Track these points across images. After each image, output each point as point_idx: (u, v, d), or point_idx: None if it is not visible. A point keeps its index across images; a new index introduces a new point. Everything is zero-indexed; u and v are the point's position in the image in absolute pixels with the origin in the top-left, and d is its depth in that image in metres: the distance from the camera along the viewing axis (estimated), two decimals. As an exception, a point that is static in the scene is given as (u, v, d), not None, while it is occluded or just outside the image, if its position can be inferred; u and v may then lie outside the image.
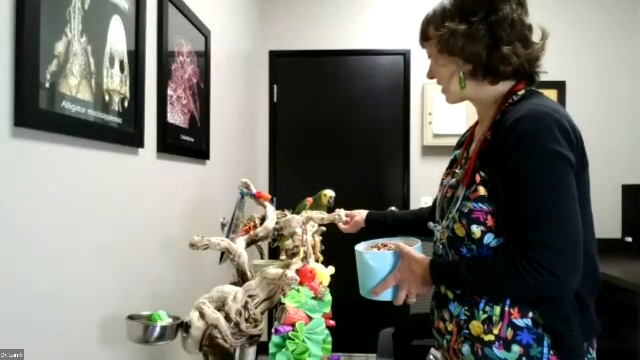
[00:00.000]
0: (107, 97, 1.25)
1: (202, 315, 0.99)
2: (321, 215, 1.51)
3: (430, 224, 1.17)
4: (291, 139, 3.53)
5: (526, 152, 0.94)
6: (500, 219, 0.98)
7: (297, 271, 1.09)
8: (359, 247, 1.20)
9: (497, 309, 1.00)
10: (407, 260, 1.09)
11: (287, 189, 3.48)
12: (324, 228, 1.68)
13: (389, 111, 3.47)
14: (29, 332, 0.97)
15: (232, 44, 2.69)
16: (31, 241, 0.98)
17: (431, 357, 1.95)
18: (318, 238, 1.62)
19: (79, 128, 1.12)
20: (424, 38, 1.14)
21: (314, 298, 1.09)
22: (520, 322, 0.98)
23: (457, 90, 1.11)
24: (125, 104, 1.35)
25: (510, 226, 0.96)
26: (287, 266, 1.16)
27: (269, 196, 1.54)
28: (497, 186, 0.98)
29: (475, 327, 1.02)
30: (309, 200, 1.78)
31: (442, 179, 1.24)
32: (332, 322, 1.14)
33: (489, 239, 1.00)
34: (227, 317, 1.00)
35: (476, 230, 1.00)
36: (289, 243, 1.57)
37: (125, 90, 1.35)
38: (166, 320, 1.04)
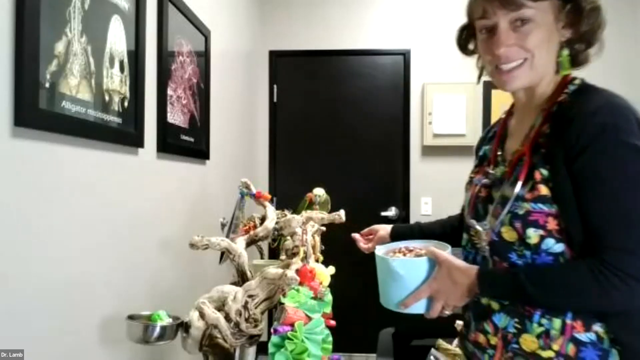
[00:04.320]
0: (107, 97, 1.25)
1: (202, 315, 0.99)
2: (321, 215, 1.51)
3: (473, 222, 1.03)
4: (291, 139, 3.53)
5: (605, 148, 0.84)
6: (563, 221, 0.88)
7: (297, 271, 1.09)
8: (380, 251, 1.08)
9: (557, 322, 0.89)
10: (446, 269, 0.95)
11: (287, 189, 3.48)
12: (324, 228, 1.68)
13: (389, 111, 3.47)
14: (29, 332, 0.97)
15: (232, 44, 2.69)
16: (31, 241, 0.98)
17: (431, 357, 1.95)
18: (318, 238, 1.62)
19: (79, 128, 1.12)
20: None
21: (314, 298, 1.09)
22: (583, 336, 0.87)
23: (547, 64, 0.97)
24: (125, 104, 1.35)
25: (577, 230, 0.87)
26: (287, 266, 1.16)
27: (269, 196, 1.54)
28: (562, 185, 0.88)
29: (529, 341, 0.91)
30: (310, 196, 1.79)
31: (471, 177, 1.14)
32: (332, 322, 1.14)
33: (549, 244, 0.89)
34: (227, 317, 1.00)
35: (534, 234, 0.89)
36: (289, 243, 1.57)
37: (125, 90, 1.35)
38: (166, 320, 1.04)
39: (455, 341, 2.01)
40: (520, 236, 0.91)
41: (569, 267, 0.88)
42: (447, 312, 1.00)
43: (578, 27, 0.95)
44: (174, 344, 1.06)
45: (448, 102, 3.29)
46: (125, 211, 1.37)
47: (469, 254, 1.06)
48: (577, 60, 0.99)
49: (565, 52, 0.97)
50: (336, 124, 3.50)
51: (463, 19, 1.15)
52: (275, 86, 3.52)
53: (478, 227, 1.01)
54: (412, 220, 3.39)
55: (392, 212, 3.43)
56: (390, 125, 3.47)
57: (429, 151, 3.43)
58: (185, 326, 1.02)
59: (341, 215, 1.54)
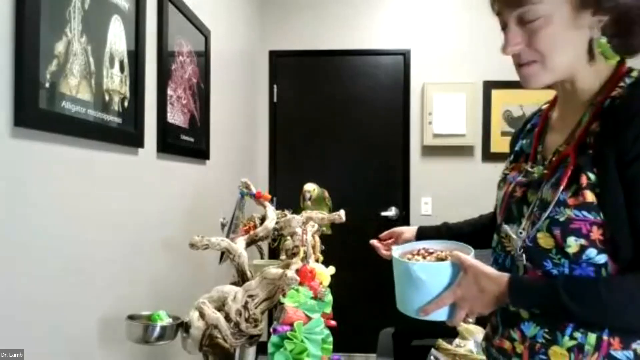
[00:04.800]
0: (107, 97, 1.25)
1: (202, 315, 0.99)
2: (321, 215, 1.51)
3: (506, 227, 0.96)
4: (291, 139, 3.53)
5: None
6: (610, 231, 0.81)
7: (297, 271, 1.09)
8: (396, 253, 1.02)
9: (592, 338, 0.82)
10: (472, 275, 0.88)
11: (287, 189, 3.48)
12: (324, 228, 1.68)
13: (389, 111, 3.47)
14: (29, 332, 0.97)
15: (232, 44, 2.69)
16: (31, 241, 0.98)
17: (432, 357, 1.95)
18: (318, 238, 1.62)
19: (79, 128, 1.12)
20: None
21: (314, 298, 1.09)
22: (620, 354, 0.81)
23: (566, 61, 0.87)
24: (125, 104, 1.35)
25: (625, 241, 0.80)
26: (287, 266, 1.16)
27: (269, 196, 1.55)
28: (611, 191, 0.80)
29: (558, 354, 0.85)
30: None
31: (505, 175, 1.05)
32: (333, 322, 1.14)
33: (591, 254, 0.82)
34: (227, 317, 1.00)
35: (574, 243, 0.82)
36: (289, 243, 1.57)
37: (125, 90, 1.35)
38: (166, 320, 1.04)
39: (455, 341, 2.02)
40: (559, 244, 0.84)
41: (615, 283, 0.81)
42: (471, 320, 0.94)
43: (605, 11, 0.83)
44: (174, 344, 1.06)
45: (448, 102, 3.29)
46: (125, 211, 1.37)
47: (499, 257, 0.99)
48: (627, 48, 0.86)
49: (603, 40, 0.84)
50: (336, 124, 3.50)
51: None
52: (275, 86, 3.52)
53: (511, 234, 0.94)
54: (412, 221, 3.39)
55: (392, 212, 3.43)
56: (390, 125, 3.47)
57: (429, 151, 3.43)
58: (185, 326, 1.02)
59: (341, 215, 1.53)
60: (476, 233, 1.21)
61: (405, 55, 3.44)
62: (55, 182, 1.05)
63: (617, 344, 0.82)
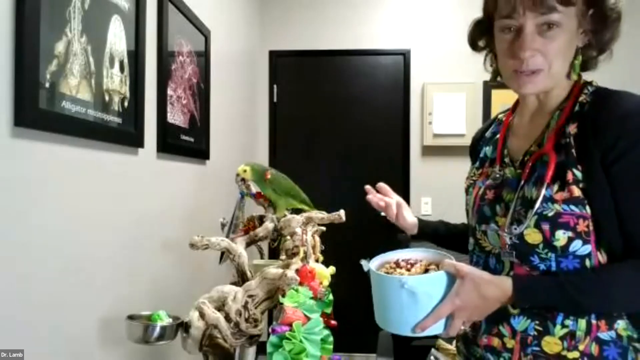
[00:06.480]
0: (107, 97, 1.25)
1: (202, 315, 0.99)
2: (321, 215, 1.51)
3: (493, 226, 0.98)
4: (291, 139, 3.53)
5: None
6: (598, 223, 0.87)
7: (297, 271, 1.09)
8: (374, 266, 0.96)
9: (582, 323, 0.88)
10: (471, 283, 0.87)
11: (287, 189, 3.48)
12: (323, 228, 1.68)
13: (389, 111, 3.47)
14: (29, 332, 0.97)
15: (232, 44, 2.69)
16: (31, 241, 0.98)
17: (432, 357, 1.95)
18: (318, 238, 1.62)
19: (79, 128, 1.12)
20: (566, 2, 0.87)
21: (314, 298, 1.09)
22: (606, 335, 0.88)
23: (563, 70, 0.93)
24: (125, 104, 1.35)
25: (613, 231, 0.86)
26: (287, 266, 1.16)
27: (269, 196, 1.54)
28: (599, 187, 0.86)
29: (552, 343, 0.89)
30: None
31: (474, 181, 1.10)
32: (334, 323, 1.14)
33: (577, 246, 0.87)
34: (227, 317, 1.00)
35: (562, 236, 0.87)
36: (289, 243, 1.57)
37: (125, 90, 1.35)
38: (166, 320, 1.04)
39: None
40: (547, 238, 0.88)
41: (614, 270, 0.87)
42: (465, 328, 0.92)
43: (600, 34, 0.93)
44: (174, 344, 1.06)
45: (448, 102, 3.29)
46: (125, 211, 1.37)
47: (479, 259, 1.02)
48: (586, 66, 0.97)
49: (579, 57, 0.94)
50: (336, 124, 3.50)
51: (463, 19, 1.14)
52: (275, 86, 3.52)
53: (504, 233, 0.94)
54: (412, 220, 3.39)
55: (392, 212, 3.43)
56: (390, 125, 3.47)
57: (429, 151, 3.43)
58: (185, 326, 1.02)
59: (341, 215, 1.53)
60: (463, 235, 1.17)
61: (405, 55, 3.44)
62: (55, 182, 1.05)
63: (603, 326, 0.88)
